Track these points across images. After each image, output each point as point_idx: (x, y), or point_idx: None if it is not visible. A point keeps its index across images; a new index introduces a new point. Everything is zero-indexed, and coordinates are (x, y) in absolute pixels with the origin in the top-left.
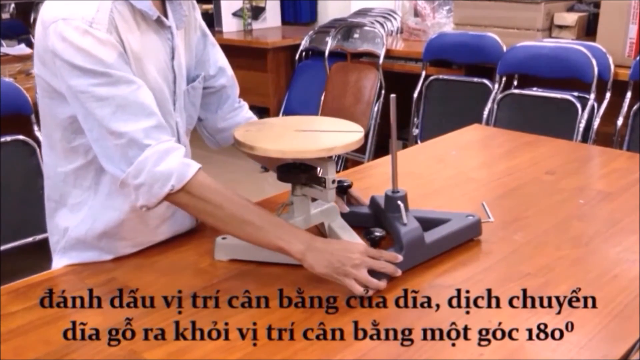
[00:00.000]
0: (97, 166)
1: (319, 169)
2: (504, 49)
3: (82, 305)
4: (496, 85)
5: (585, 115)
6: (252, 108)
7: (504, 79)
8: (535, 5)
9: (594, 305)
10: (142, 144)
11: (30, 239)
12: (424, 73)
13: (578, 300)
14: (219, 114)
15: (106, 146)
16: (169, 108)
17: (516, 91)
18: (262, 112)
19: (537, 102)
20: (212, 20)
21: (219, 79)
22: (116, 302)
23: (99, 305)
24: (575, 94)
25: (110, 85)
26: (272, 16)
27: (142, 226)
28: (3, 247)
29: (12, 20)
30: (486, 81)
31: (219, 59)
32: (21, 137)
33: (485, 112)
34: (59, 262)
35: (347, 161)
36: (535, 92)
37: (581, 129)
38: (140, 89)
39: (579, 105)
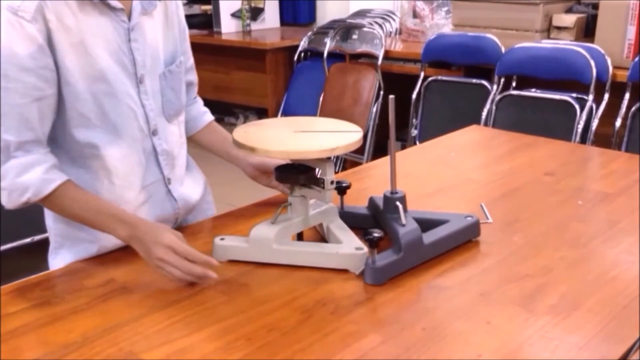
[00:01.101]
0: (57, 159)
1: (317, 169)
2: (503, 50)
3: (81, 306)
4: (495, 87)
5: (584, 117)
6: (250, 109)
7: (502, 80)
8: (534, 7)
9: (592, 306)
10: (10, 154)
11: (28, 240)
12: (422, 74)
13: (577, 301)
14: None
15: None
16: (126, 90)
17: (515, 92)
18: (260, 112)
19: (535, 103)
20: (210, 21)
21: (189, 76)
22: (114, 302)
23: (98, 306)
24: (574, 95)
25: (6, 90)
26: (271, 17)
27: (122, 208)
28: (2, 248)
29: None
30: (485, 82)
31: (191, 57)
32: None
33: (484, 113)
34: (52, 263)
35: (346, 162)
36: (534, 93)
37: (580, 130)
38: (31, 103)
39: (577, 107)
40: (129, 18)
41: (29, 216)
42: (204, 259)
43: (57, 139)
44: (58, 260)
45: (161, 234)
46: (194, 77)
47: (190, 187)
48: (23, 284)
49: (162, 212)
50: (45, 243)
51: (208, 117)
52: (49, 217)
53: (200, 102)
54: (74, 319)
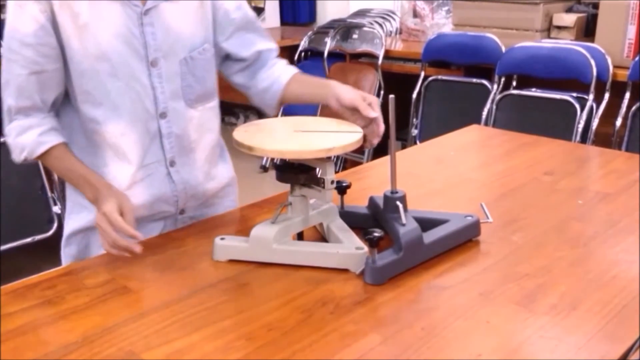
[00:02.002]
0: (57, 122)
1: (317, 169)
2: (503, 49)
3: (81, 306)
4: (495, 86)
5: (584, 116)
6: (251, 108)
7: (502, 79)
8: (534, 6)
9: (592, 306)
10: (12, 116)
11: (29, 239)
12: (422, 74)
13: (576, 300)
14: (258, 77)
15: (1, 102)
16: (131, 72)
17: (515, 92)
18: (261, 112)
19: (536, 102)
20: None
21: (252, 54)
22: (115, 302)
23: (98, 306)
24: (574, 94)
25: (9, 61)
26: (271, 17)
27: (117, 181)
28: (1, 248)
29: None
30: (485, 82)
31: (253, 39)
32: None
33: (484, 113)
34: (65, 228)
35: (346, 162)
36: (534, 92)
37: (580, 130)
38: (29, 75)
39: (577, 106)
40: (144, 3)
41: (28, 216)
42: (130, 233)
43: (69, 113)
44: (69, 224)
45: (107, 201)
46: (264, 46)
47: (204, 176)
48: (23, 284)
49: (159, 192)
50: (44, 242)
51: (284, 78)
52: (69, 186)
53: (281, 62)
54: (74, 319)
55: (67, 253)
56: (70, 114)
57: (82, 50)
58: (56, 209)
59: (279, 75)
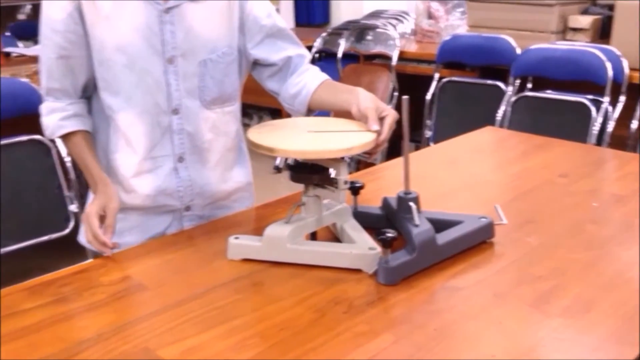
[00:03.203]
0: (82, 109)
1: (331, 170)
2: (518, 51)
3: (96, 303)
4: (510, 88)
5: (600, 118)
6: (264, 109)
7: (517, 81)
8: (549, 8)
9: (606, 308)
10: (45, 96)
11: (45, 238)
12: (437, 75)
13: (590, 303)
14: (289, 82)
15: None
16: (146, 66)
17: (530, 94)
18: (274, 113)
19: (551, 104)
20: None
21: (282, 59)
22: (130, 300)
23: (113, 303)
24: (590, 96)
25: (43, 46)
26: (285, 18)
27: (124, 168)
28: (19, 246)
29: (29, 22)
30: (500, 83)
31: (283, 46)
32: (37, 136)
33: (499, 115)
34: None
35: (359, 163)
36: (549, 94)
37: (595, 132)
38: (57, 59)
39: (593, 108)
40: (167, 1)
41: (45, 215)
42: (100, 240)
43: (96, 97)
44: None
45: (94, 199)
46: (295, 52)
47: (216, 177)
48: (40, 281)
49: (164, 186)
50: (61, 241)
51: (312, 84)
52: None
53: (313, 68)
54: (89, 316)
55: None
56: (98, 101)
57: (102, 40)
58: (73, 207)
59: (308, 81)
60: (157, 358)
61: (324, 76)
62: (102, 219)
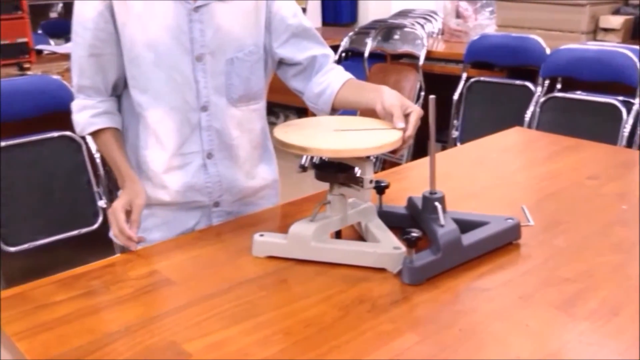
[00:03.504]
0: (113, 107)
1: (356, 168)
2: (548, 51)
3: (125, 296)
4: (539, 88)
5: (630, 120)
6: (290, 108)
7: (547, 82)
8: (580, 8)
9: (634, 312)
10: (77, 94)
11: (75, 232)
12: (464, 75)
13: (618, 306)
14: (313, 81)
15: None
16: (175, 64)
17: (559, 94)
18: (300, 112)
19: (580, 106)
20: None
21: (307, 58)
22: (157, 294)
23: (141, 297)
24: (620, 98)
25: (75, 44)
26: (313, 17)
27: (154, 165)
28: (49, 240)
29: (60, 20)
30: (529, 84)
31: (308, 45)
32: (68, 133)
33: (527, 115)
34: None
35: (385, 162)
36: (579, 95)
37: (626, 134)
38: (88, 57)
39: (623, 110)
40: (196, 0)
41: (75, 210)
42: (125, 234)
43: (128, 95)
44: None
45: (121, 195)
46: (319, 51)
47: (244, 174)
48: (70, 274)
49: (193, 182)
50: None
51: (337, 83)
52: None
53: (338, 68)
54: (118, 309)
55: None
56: (128, 98)
57: (132, 38)
58: (101, 203)
59: (333, 80)
60: (183, 351)
61: (348, 75)
62: (128, 214)
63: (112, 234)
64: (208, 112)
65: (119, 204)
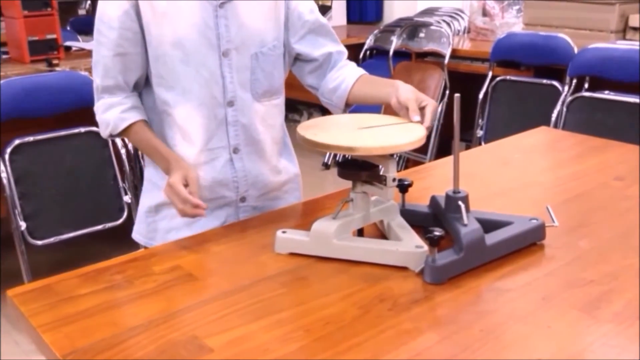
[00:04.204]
0: (138, 101)
1: (380, 167)
2: (575, 50)
3: (147, 291)
4: (566, 88)
5: None
6: (314, 105)
7: (574, 81)
8: (609, 7)
9: None
10: (100, 95)
11: (100, 227)
12: (490, 74)
13: None
14: (328, 77)
15: (93, 81)
16: (203, 60)
17: (587, 94)
18: (324, 109)
19: (608, 105)
20: None
21: (323, 55)
22: (180, 289)
23: (163, 292)
24: None
25: (98, 44)
26: (338, 15)
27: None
28: (75, 234)
29: (89, 17)
30: (556, 83)
31: (324, 42)
32: (94, 128)
33: (554, 115)
34: (141, 202)
35: (408, 161)
36: (607, 95)
37: None
38: (114, 56)
39: None
40: None
41: (100, 205)
42: (193, 202)
43: (151, 94)
44: (142, 203)
45: (174, 172)
46: (335, 48)
47: (269, 168)
48: (94, 268)
49: (220, 177)
50: (115, 231)
51: (351, 78)
52: (145, 167)
53: (351, 64)
54: (141, 303)
55: (137, 230)
56: (150, 97)
57: (159, 36)
58: (127, 198)
59: (347, 75)
60: (204, 346)
61: (362, 71)
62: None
63: (177, 210)
64: (234, 107)
65: (175, 179)
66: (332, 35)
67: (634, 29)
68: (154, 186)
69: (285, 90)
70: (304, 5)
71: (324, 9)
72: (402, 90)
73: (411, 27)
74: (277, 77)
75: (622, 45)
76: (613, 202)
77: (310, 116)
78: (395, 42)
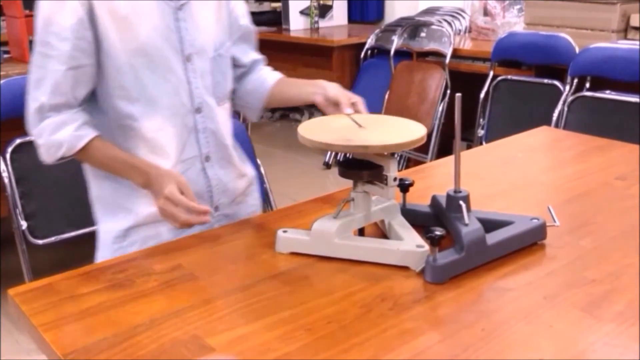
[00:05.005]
0: (89, 116)
1: (381, 166)
2: (577, 50)
3: (149, 290)
4: (567, 87)
5: None
6: (314, 105)
7: (575, 80)
8: (611, 6)
9: None
10: (45, 114)
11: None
12: (491, 73)
13: None
14: (246, 80)
15: (28, 102)
16: (169, 65)
17: (588, 94)
18: None
19: (610, 105)
20: (280, 18)
21: (251, 61)
22: (181, 288)
23: (165, 291)
24: None
25: (44, 57)
26: (339, 14)
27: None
28: (76, 233)
29: None
30: (557, 83)
31: (251, 48)
32: None
33: (555, 115)
34: (100, 228)
35: (409, 161)
36: (609, 95)
37: None
38: (66, 71)
39: None
40: None
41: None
42: (197, 209)
43: (103, 109)
44: (102, 227)
45: (164, 184)
46: (257, 56)
47: (231, 175)
48: (96, 267)
49: (196, 188)
50: None
51: (270, 80)
52: (93, 187)
53: (263, 71)
54: (142, 302)
55: (102, 258)
56: (99, 114)
57: (120, 44)
58: None
59: (266, 78)
60: (206, 345)
61: (279, 74)
62: None
63: (180, 223)
64: (202, 114)
65: (171, 189)
66: (254, 42)
67: (635, 28)
68: (119, 208)
69: None
70: (240, 8)
71: (325, 9)
72: (330, 88)
73: (412, 26)
74: (229, 81)
75: (624, 45)
76: (614, 202)
77: (311, 116)
78: (396, 42)
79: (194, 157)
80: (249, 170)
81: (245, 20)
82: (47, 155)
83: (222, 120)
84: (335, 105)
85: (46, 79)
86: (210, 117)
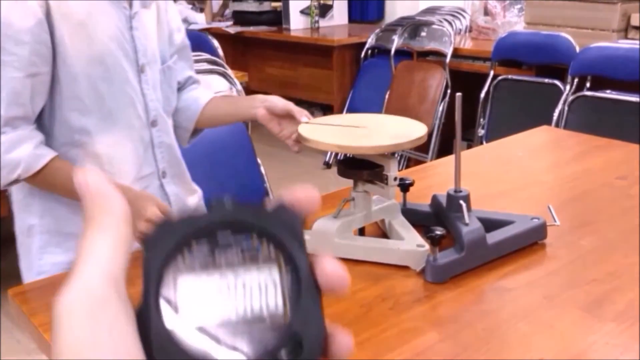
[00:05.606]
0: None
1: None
2: (577, 49)
3: None
4: (568, 87)
5: None
6: (316, 105)
7: (576, 80)
8: (612, 6)
9: None
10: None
11: None
12: (492, 73)
13: None
14: (179, 97)
15: None
16: (125, 76)
17: (589, 93)
18: (326, 109)
19: (610, 105)
20: (280, 17)
21: (185, 78)
22: None
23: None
24: None
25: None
26: (340, 14)
27: None
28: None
29: None
30: (557, 82)
31: (186, 64)
32: None
33: (556, 114)
34: (39, 263)
35: (410, 160)
36: (609, 94)
37: None
38: (25, 78)
39: None
40: (131, 6)
41: None
42: None
43: (47, 124)
44: (46, 259)
45: (144, 207)
46: (191, 73)
47: (185, 191)
48: None
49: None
50: None
51: (203, 99)
52: (34, 215)
53: (196, 90)
54: None
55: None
56: (45, 129)
57: (76, 51)
58: None
59: (200, 96)
60: None
61: (212, 93)
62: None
63: None
64: (158, 128)
65: (154, 212)
66: (190, 58)
67: (636, 28)
68: (69, 237)
69: (289, 89)
70: (175, 22)
71: (326, 8)
72: (275, 99)
73: (413, 26)
74: (175, 95)
75: (624, 44)
76: (615, 202)
77: (313, 115)
78: (396, 41)
79: (152, 173)
80: (195, 185)
81: (180, 35)
82: (2, 175)
83: (173, 133)
84: (281, 118)
85: (4, 90)
86: (165, 131)
